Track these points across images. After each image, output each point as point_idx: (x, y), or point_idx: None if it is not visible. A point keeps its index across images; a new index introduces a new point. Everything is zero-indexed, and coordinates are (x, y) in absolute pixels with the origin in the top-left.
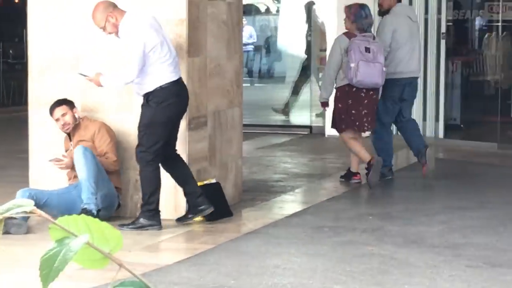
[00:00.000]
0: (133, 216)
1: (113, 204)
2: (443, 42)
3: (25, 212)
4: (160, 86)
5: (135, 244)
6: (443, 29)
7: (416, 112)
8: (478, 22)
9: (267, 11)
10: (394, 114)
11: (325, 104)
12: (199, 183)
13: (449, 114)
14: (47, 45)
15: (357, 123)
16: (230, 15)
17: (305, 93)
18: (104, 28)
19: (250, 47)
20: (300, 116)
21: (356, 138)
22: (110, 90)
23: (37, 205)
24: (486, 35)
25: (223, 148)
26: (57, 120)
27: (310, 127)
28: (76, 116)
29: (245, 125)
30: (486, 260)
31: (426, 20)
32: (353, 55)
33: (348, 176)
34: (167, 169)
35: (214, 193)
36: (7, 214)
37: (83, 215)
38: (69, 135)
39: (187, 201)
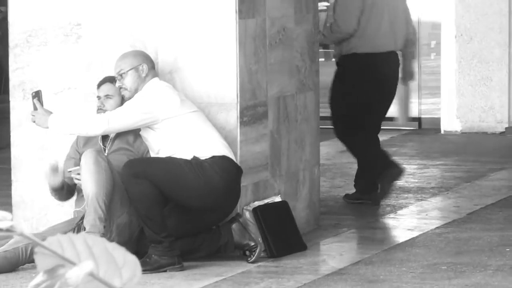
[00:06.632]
0: None
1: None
2: None
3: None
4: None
5: None
6: None
7: None
8: None
9: None
10: None
11: None
12: (256, 203)
13: None
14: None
15: None
16: None
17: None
18: (122, 77)
19: (326, 4)
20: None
21: None
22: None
23: None
24: None
25: (291, 151)
26: (98, 98)
27: (418, 119)
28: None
29: (323, 118)
30: None
31: None
32: None
33: None
34: None
35: (278, 216)
36: None
37: (83, 233)
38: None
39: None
